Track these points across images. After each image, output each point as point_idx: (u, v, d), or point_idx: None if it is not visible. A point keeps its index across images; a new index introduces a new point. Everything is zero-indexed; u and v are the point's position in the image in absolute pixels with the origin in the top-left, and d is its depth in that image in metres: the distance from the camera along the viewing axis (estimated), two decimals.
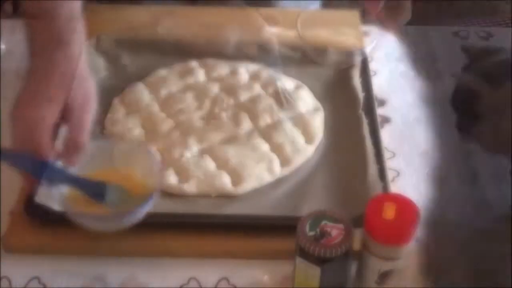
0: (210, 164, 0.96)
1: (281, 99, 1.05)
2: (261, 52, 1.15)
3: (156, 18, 1.20)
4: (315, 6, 1.32)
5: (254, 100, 1.06)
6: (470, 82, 0.81)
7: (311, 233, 0.77)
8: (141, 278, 0.86)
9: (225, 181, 0.94)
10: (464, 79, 0.81)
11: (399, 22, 1.04)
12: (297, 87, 1.10)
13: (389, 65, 1.19)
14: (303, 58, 1.13)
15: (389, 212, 0.76)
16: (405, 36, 1.22)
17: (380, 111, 1.09)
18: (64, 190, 0.85)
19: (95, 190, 0.84)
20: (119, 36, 1.16)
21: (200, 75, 1.11)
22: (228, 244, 0.88)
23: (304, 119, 1.03)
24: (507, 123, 0.82)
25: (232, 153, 0.97)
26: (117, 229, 0.83)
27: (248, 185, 0.94)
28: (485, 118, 0.83)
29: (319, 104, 1.07)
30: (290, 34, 1.17)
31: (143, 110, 1.05)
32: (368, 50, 1.03)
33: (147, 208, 0.83)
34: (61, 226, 0.88)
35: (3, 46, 1.21)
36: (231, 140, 1.00)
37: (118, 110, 1.05)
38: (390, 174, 0.97)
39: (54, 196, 0.84)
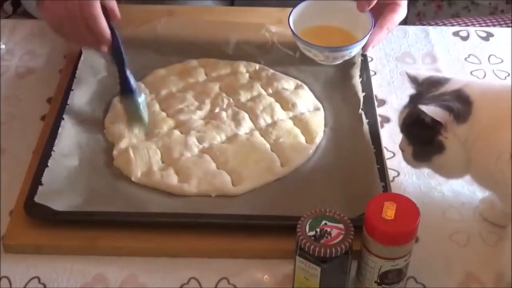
0: (210, 164, 0.96)
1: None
2: (261, 52, 1.15)
3: (156, 18, 1.20)
4: None
5: (254, 100, 1.06)
6: (434, 112, 0.82)
7: (311, 233, 0.77)
8: (141, 278, 0.86)
9: (225, 181, 0.94)
10: (427, 108, 0.82)
11: (394, 20, 1.04)
12: (297, 87, 1.10)
13: (389, 65, 1.19)
14: (303, 58, 1.13)
15: (389, 212, 0.76)
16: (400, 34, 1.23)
17: (380, 111, 1.09)
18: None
19: (125, 83, 0.98)
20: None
21: (200, 75, 1.11)
22: (228, 244, 0.88)
23: (304, 119, 1.03)
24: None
25: (232, 153, 0.97)
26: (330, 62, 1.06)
27: (248, 185, 0.94)
28: (447, 149, 0.84)
29: (319, 104, 1.07)
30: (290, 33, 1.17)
31: None
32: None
33: (356, 48, 1.02)
34: (61, 226, 0.89)
35: (3, 46, 1.21)
36: (231, 140, 1.00)
37: (118, 110, 1.05)
38: (390, 174, 0.98)
39: None
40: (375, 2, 1.02)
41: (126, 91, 0.99)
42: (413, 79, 0.91)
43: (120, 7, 1.27)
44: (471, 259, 0.89)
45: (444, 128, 0.84)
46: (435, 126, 0.84)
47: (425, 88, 0.89)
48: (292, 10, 1.06)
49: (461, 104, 0.83)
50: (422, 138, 0.87)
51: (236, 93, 1.07)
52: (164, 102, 1.06)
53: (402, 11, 1.04)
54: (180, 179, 0.94)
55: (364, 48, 1.04)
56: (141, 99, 0.99)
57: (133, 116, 0.99)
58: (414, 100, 0.89)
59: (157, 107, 1.05)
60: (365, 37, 1.02)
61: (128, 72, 0.98)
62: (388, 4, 1.04)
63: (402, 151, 0.92)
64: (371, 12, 1.04)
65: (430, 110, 0.83)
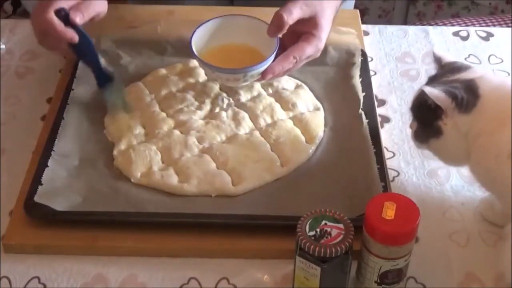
0: (210, 164, 0.96)
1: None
2: None
3: (156, 18, 1.20)
4: None
5: (254, 100, 1.06)
6: (437, 96, 0.82)
7: (311, 233, 0.77)
8: (141, 278, 0.86)
9: (225, 181, 0.94)
10: (430, 91, 0.82)
11: (305, 50, 0.98)
12: (297, 87, 1.10)
13: (389, 65, 1.19)
14: None
15: (389, 212, 0.76)
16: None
17: (380, 111, 1.09)
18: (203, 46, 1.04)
19: (102, 76, 1.03)
20: (119, 36, 1.16)
21: (200, 75, 1.11)
22: (228, 244, 0.88)
23: (304, 119, 1.03)
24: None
25: (232, 153, 0.97)
26: (240, 84, 1.03)
27: (248, 185, 0.94)
28: (444, 135, 0.85)
29: (319, 104, 1.07)
30: None
31: (143, 109, 1.05)
32: None
33: (261, 67, 0.97)
34: (61, 226, 0.89)
35: (3, 46, 1.21)
36: (231, 140, 1.00)
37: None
38: (390, 174, 0.98)
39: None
40: (285, 30, 0.97)
41: (106, 81, 1.03)
42: (437, 60, 0.91)
43: (121, 7, 1.27)
44: (471, 259, 0.89)
45: (444, 113, 0.84)
46: (436, 110, 0.84)
47: (444, 72, 0.88)
48: (200, 26, 1.04)
49: (467, 94, 0.83)
50: (424, 119, 0.88)
51: (236, 93, 1.07)
52: (164, 102, 1.06)
53: (316, 43, 0.99)
54: (180, 179, 0.94)
55: (263, 74, 0.97)
56: (118, 82, 1.05)
57: (117, 102, 1.04)
58: (431, 81, 0.89)
59: (157, 107, 1.05)
60: (262, 63, 0.97)
61: (102, 65, 1.04)
62: (304, 33, 0.99)
63: (411, 130, 0.92)
64: (285, 39, 1.00)
65: (432, 93, 0.83)
